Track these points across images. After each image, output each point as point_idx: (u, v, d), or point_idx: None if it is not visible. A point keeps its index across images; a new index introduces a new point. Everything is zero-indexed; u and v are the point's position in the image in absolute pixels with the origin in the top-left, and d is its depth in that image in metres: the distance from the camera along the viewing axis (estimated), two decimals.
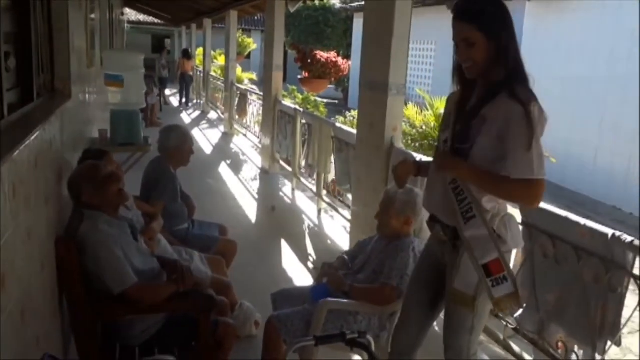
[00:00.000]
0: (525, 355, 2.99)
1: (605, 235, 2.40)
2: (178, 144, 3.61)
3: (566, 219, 2.62)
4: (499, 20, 1.92)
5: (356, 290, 2.58)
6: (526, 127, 1.84)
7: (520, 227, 2.52)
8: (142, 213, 3.22)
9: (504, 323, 3.05)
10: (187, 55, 16.72)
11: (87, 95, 4.55)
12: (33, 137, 1.90)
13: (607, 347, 2.43)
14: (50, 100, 2.96)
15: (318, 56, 12.40)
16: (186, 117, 14.33)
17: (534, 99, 1.88)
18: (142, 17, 25.61)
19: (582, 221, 2.54)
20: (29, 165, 1.85)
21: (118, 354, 2.48)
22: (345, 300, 2.58)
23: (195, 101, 17.42)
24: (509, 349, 3.07)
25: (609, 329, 2.41)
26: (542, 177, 1.88)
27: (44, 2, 2.92)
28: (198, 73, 17.29)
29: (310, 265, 4.56)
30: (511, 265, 2.20)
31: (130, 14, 24.35)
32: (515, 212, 2.50)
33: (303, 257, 4.77)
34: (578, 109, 9.95)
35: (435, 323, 2.41)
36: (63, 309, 2.44)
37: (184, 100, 16.67)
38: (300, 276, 4.30)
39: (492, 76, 1.96)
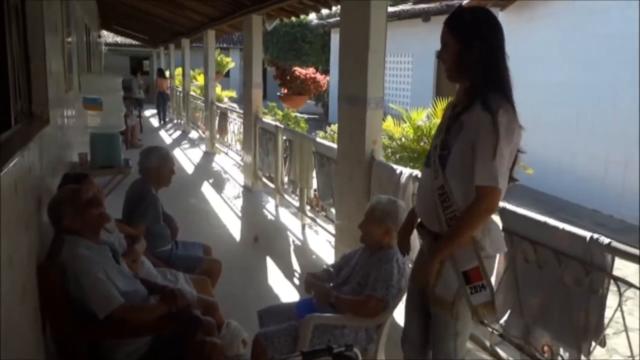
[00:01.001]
0: None
1: (584, 238, 2.44)
2: (159, 164, 3.61)
3: (545, 224, 2.66)
4: (472, 28, 2.00)
5: (342, 301, 2.59)
6: (492, 135, 1.89)
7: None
8: (125, 235, 3.21)
9: (490, 329, 3.08)
10: (161, 74, 17.51)
11: (65, 120, 4.52)
12: (12, 164, 1.89)
13: (591, 348, 2.46)
14: (28, 125, 2.94)
15: (297, 73, 12.48)
16: (167, 137, 14.29)
17: (504, 106, 1.92)
18: (119, 39, 25.52)
19: (561, 225, 2.58)
20: (9, 192, 1.84)
21: None
22: (331, 315, 2.59)
23: (175, 121, 17.43)
24: (495, 355, 3.08)
25: (592, 330, 2.44)
26: (500, 187, 1.92)
27: (20, 27, 2.92)
28: (178, 93, 17.31)
29: (296, 281, 4.55)
30: (494, 271, 2.23)
31: (108, 36, 24.28)
32: (495, 218, 2.54)
33: (288, 273, 4.76)
34: (555, 114, 10.11)
35: None
36: (47, 335, 2.41)
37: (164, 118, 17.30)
38: (286, 292, 4.30)
39: (466, 82, 2.03)
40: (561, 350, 2.68)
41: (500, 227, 2.62)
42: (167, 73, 19.12)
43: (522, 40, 11.07)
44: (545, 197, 9.76)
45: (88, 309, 2.30)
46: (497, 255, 2.20)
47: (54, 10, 3.84)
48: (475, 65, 1.98)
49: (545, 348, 2.72)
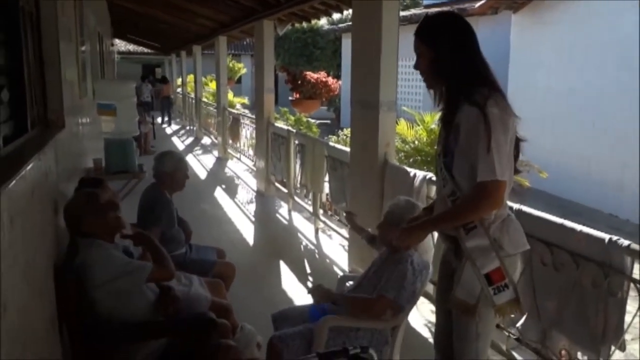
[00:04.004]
0: None
1: (602, 240, 2.42)
2: (173, 169, 3.62)
3: (562, 225, 2.63)
4: (439, 32, 2.05)
5: (347, 300, 2.58)
6: (484, 129, 1.88)
7: None
8: None
9: (507, 334, 3.05)
10: (165, 81, 19.49)
11: (80, 126, 4.56)
12: (29, 168, 1.91)
13: (611, 352, 2.43)
14: (44, 131, 2.97)
15: (308, 77, 12.51)
16: (179, 144, 14.37)
17: (493, 97, 1.92)
18: (131, 47, 25.77)
19: (578, 227, 2.56)
20: (26, 196, 1.85)
21: None
22: (346, 317, 2.57)
23: (187, 127, 17.59)
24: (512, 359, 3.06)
25: (611, 333, 2.41)
26: (502, 179, 1.90)
27: (35, 36, 2.96)
28: (190, 100, 17.44)
29: (310, 285, 4.54)
30: (518, 270, 2.20)
31: (120, 45, 24.54)
32: None
33: (302, 277, 4.75)
34: (570, 119, 10.03)
35: None
36: (64, 339, 2.43)
37: (166, 119, 19.00)
38: (300, 296, 4.29)
39: (445, 85, 2.07)
40: (579, 354, 2.64)
41: None
42: (179, 80, 19.85)
43: (536, 43, 11.03)
44: (561, 201, 9.66)
45: (102, 312, 2.31)
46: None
47: (68, 18, 3.89)
48: (452, 67, 2.01)
49: (563, 352, 2.69)
